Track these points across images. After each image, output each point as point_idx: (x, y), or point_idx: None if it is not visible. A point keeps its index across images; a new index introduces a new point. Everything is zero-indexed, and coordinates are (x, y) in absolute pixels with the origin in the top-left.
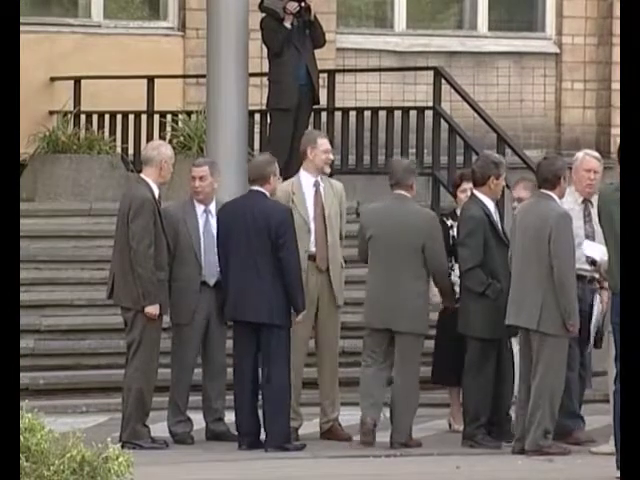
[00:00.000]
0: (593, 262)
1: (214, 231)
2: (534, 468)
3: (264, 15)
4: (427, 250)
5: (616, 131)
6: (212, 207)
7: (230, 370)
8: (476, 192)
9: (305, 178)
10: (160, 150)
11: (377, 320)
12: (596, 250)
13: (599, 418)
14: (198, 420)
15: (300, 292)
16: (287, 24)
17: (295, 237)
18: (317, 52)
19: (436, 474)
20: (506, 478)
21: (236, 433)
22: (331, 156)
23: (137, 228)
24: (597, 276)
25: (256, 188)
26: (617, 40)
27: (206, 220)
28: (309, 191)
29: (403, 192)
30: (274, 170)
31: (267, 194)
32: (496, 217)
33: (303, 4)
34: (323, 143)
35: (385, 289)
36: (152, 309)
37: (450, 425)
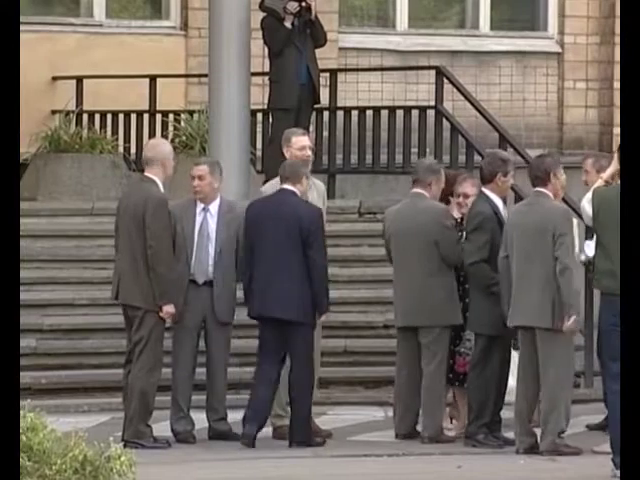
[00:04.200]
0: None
1: (211, 230)
2: (536, 468)
3: (265, 15)
4: (440, 245)
5: (619, 130)
6: (212, 206)
7: (231, 370)
8: (484, 189)
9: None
10: (158, 149)
11: (400, 318)
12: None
13: (599, 417)
14: (201, 419)
15: (325, 293)
16: (287, 24)
17: (324, 238)
18: (319, 51)
19: (438, 473)
20: (508, 478)
21: (241, 430)
22: (308, 152)
23: (157, 228)
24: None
25: (288, 187)
26: (619, 39)
27: (203, 219)
28: None
29: (420, 190)
30: (307, 172)
31: (298, 193)
32: (504, 214)
33: (304, 4)
34: (298, 141)
35: (405, 287)
36: (169, 308)
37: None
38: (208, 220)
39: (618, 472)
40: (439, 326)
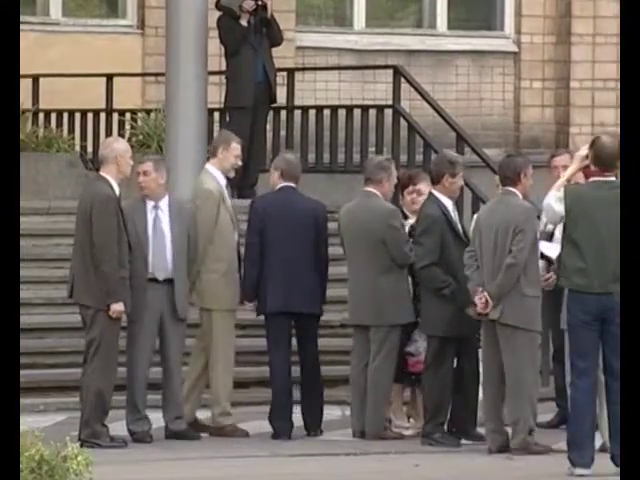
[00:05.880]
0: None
1: (164, 227)
2: (493, 466)
3: (221, 13)
4: (388, 245)
5: (574, 130)
6: (163, 204)
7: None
8: (433, 191)
9: (218, 175)
10: (113, 147)
11: (351, 317)
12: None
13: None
14: (160, 419)
15: (325, 286)
16: (243, 22)
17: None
18: (277, 50)
19: (394, 472)
20: (464, 476)
21: (200, 431)
22: (239, 162)
23: (101, 226)
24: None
25: (291, 184)
26: (575, 39)
27: (156, 216)
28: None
29: (372, 189)
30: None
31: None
32: (454, 215)
33: (260, 2)
34: (236, 148)
35: (356, 286)
36: (117, 307)
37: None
38: (160, 217)
39: (575, 470)
40: (388, 325)
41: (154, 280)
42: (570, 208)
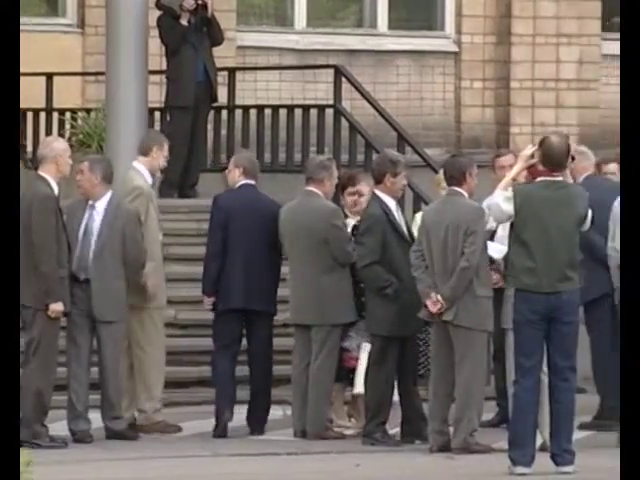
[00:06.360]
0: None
1: (95, 227)
2: (435, 465)
3: (161, 12)
4: (330, 244)
5: (515, 129)
6: (99, 204)
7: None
8: (375, 190)
9: (146, 173)
10: (52, 146)
11: (293, 316)
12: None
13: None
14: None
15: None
16: (184, 21)
17: None
18: (218, 50)
19: (336, 472)
20: (405, 475)
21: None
22: (165, 164)
23: (40, 225)
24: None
25: (251, 182)
26: (515, 39)
27: (89, 216)
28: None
29: (313, 188)
30: None
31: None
32: (397, 215)
33: (200, 1)
34: (167, 149)
35: (298, 285)
36: (56, 306)
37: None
38: (94, 217)
39: (515, 468)
40: (329, 324)
41: (76, 279)
42: (520, 208)
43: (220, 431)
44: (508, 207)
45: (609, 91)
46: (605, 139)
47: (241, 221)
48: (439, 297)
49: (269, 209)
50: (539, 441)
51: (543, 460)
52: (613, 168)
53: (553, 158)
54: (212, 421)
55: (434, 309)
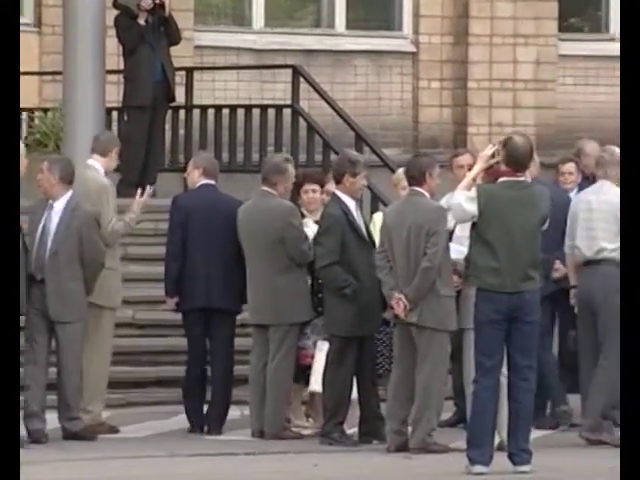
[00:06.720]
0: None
1: (52, 227)
2: (392, 465)
3: (118, 12)
4: (286, 243)
5: (472, 129)
6: (57, 204)
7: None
8: (335, 190)
9: (102, 173)
10: None
11: (252, 316)
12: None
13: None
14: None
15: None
16: (141, 21)
17: None
18: (175, 50)
19: (293, 472)
20: (363, 475)
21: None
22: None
23: None
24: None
25: (211, 182)
26: (473, 39)
27: (47, 216)
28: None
29: (269, 188)
30: None
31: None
32: (357, 215)
33: (157, 1)
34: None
35: (255, 285)
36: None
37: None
38: (52, 217)
39: (473, 467)
40: (287, 324)
41: (34, 279)
42: (484, 208)
43: (197, 429)
44: (471, 207)
45: (566, 91)
46: (561, 139)
47: (202, 220)
48: (402, 298)
49: (232, 208)
50: (496, 440)
51: (501, 459)
52: (570, 168)
53: (517, 159)
54: (170, 421)
55: (399, 310)
